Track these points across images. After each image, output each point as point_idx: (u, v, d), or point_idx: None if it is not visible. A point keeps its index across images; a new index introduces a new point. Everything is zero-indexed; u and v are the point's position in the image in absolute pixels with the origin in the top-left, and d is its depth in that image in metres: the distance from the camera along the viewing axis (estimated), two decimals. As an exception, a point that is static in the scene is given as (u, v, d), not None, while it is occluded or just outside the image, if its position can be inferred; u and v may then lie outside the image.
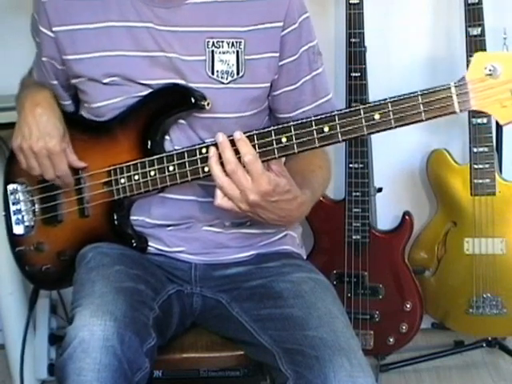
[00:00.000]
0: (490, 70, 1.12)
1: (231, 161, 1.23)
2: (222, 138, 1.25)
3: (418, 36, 2.22)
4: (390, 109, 1.17)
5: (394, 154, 2.31)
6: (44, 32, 1.40)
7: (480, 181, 2.08)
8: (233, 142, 1.25)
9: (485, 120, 2.05)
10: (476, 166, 2.07)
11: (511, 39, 1.21)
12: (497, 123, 2.10)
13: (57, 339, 2.13)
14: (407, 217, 2.12)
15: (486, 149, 2.06)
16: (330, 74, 2.19)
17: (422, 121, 1.16)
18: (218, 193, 1.26)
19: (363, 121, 1.19)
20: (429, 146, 2.24)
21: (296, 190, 1.29)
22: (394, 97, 1.17)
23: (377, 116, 1.18)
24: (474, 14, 1.98)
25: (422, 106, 1.15)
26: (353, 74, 2.02)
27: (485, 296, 2.14)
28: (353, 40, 2.01)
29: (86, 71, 1.38)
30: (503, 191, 2.08)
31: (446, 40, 2.19)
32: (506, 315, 2.14)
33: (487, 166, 2.06)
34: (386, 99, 1.18)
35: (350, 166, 2.07)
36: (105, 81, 1.37)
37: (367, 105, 1.19)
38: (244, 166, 1.23)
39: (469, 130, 2.07)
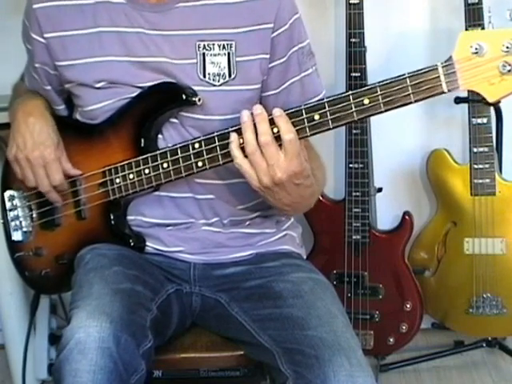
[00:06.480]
0: (475, 49, 1.11)
1: (266, 132, 1.21)
2: (259, 110, 1.22)
3: (418, 36, 2.22)
4: (379, 93, 1.17)
5: (394, 154, 2.31)
6: (36, 39, 1.40)
7: (480, 181, 2.08)
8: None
9: (485, 120, 2.04)
10: (476, 166, 2.07)
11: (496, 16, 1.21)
12: (496, 123, 2.12)
13: (57, 339, 2.12)
14: (407, 217, 2.12)
15: (486, 149, 2.05)
16: (330, 74, 2.23)
17: (411, 103, 1.16)
18: (240, 156, 1.23)
19: (353, 106, 1.19)
20: (429, 146, 2.24)
21: (313, 178, 1.29)
22: (383, 81, 1.17)
23: (366, 101, 1.18)
24: (473, 14, 1.97)
25: (410, 88, 1.15)
26: (353, 74, 2.02)
27: (485, 296, 2.13)
28: (353, 40, 2.00)
29: (78, 77, 1.39)
30: (503, 191, 2.08)
31: (446, 40, 2.19)
32: (506, 315, 2.14)
33: (487, 166, 2.06)
34: (374, 83, 1.18)
35: (350, 165, 2.07)
36: (97, 85, 1.38)
37: (356, 90, 1.19)
38: (279, 144, 1.21)
39: (469, 130, 2.07)
